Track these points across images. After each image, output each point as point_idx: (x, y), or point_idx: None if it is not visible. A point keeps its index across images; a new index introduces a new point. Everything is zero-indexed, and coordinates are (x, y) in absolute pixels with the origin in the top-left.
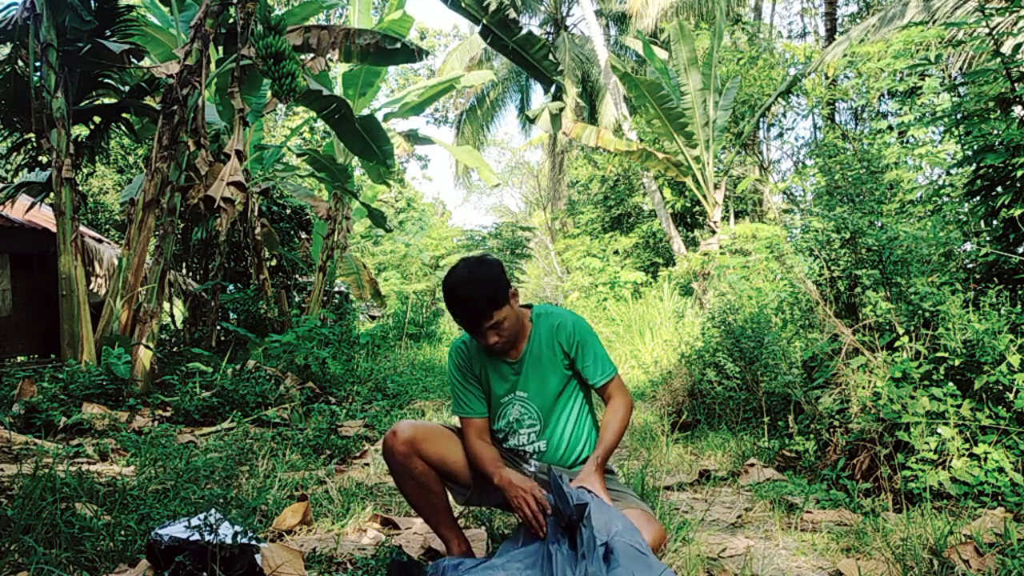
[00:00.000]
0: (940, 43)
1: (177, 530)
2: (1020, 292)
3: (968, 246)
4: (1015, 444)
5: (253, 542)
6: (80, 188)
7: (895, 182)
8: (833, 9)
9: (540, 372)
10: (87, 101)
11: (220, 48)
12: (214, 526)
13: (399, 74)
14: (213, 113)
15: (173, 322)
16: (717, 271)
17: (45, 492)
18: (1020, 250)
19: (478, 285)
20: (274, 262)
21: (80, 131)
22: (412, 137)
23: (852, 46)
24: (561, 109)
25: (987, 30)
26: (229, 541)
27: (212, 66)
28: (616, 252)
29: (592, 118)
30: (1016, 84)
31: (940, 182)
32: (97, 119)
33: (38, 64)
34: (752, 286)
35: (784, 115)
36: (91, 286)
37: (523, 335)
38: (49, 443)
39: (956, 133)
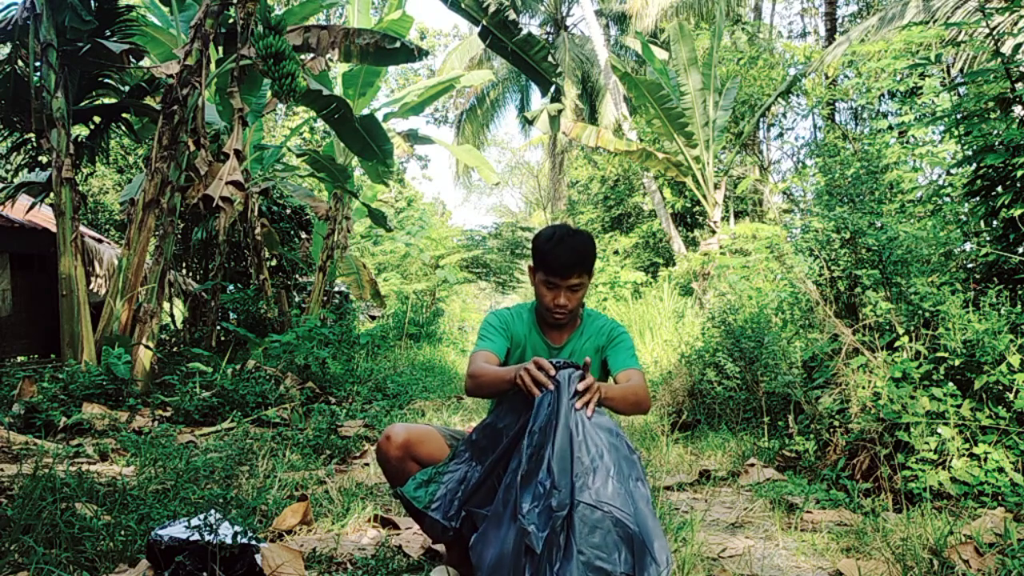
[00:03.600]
0: (940, 43)
1: (177, 530)
2: (1020, 292)
3: (968, 246)
4: (1015, 444)
5: (253, 542)
6: (80, 188)
7: (895, 182)
8: (833, 9)
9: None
10: (87, 101)
11: (220, 48)
12: (214, 526)
13: (399, 74)
14: (213, 113)
15: (173, 322)
16: (717, 271)
17: (45, 492)
18: (1020, 250)
19: (586, 240)
20: (274, 262)
21: (80, 131)
22: (412, 137)
23: (852, 47)
24: (560, 111)
25: (987, 30)
26: (229, 541)
27: (212, 66)
28: (616, 252)
29: (592, 118)
30: (1016, 84)
31: (940, 182)
32: (97, 119)
33: (38, 64)
34: (752, 286)
35: (784, 115)
36: (91, 286)
37: (572, 326)
38: (49, 443)
39: (956, 133)
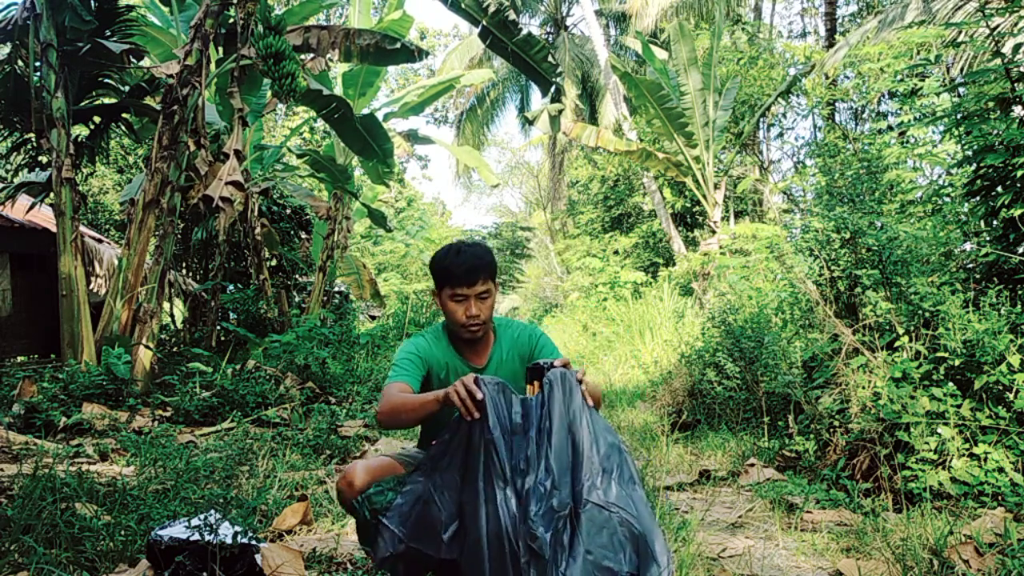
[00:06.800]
0: (940, 44)
1: (177, 530)
2: (1020, 292)
3: (968, 246)
4: (1015, 444)
5: (253, 542)
6: (80, 188)
7: (895, 182)
8: (833, 9)
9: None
10: (87, 101)
11: (220, 48)
12: (214, 526)
13: (399, 74)
14: (213, 113)
15: (173, 322)
16: (717, 271)
17: (45, 492)
18: (1020, 250)
19: (484, 248)
20: (274, 262)
21: (80, 131)
22: (412, 137)
23: (852, 50)
24: (560, 111)
25: (987, 30)
26: (229, 541)
27: (212, 66)
28: (616, 252)
29: (592, 118)
30: (1016, 84)
31: (940, 182)
32: (97, 119)
33: (38, 64)
34: (752, 286)
35: (784, 115)
36: (91, 286)
37: (487, 342)
38: (49, 443)
39: (956, 133)
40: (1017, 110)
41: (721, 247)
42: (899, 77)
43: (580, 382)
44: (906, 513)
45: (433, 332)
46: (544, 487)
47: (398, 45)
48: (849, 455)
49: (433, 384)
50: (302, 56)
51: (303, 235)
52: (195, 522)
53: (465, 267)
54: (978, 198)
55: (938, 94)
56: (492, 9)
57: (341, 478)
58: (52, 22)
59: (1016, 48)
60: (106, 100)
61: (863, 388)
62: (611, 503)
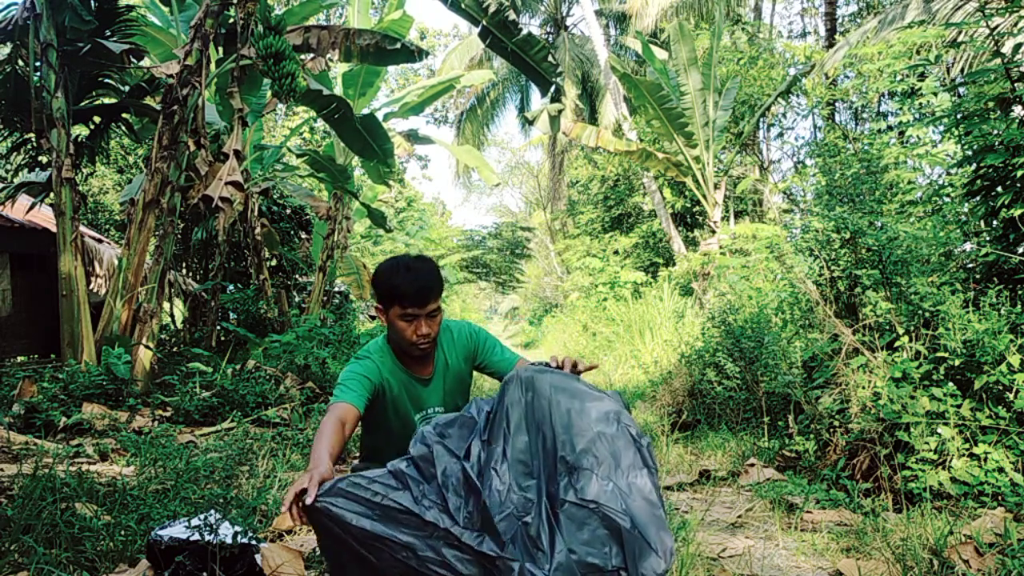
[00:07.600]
0: (940, 44)
1: (177, 530)
2: (1020, 292)
3: (968, 246)
4: (1015, 444)
5: (253, 542)
6: (80, 188)
7: (895, 182)
8: (833, 9)
9: (451, 384)
10: (87, 101)
11: (220, 48)
12: (214, 526)
13: (399, 74)
14: (213, 113)
15: (173, 322)
16: (717, 271)
17: (45, 492)
18: (1020, 250)
19: (432, 265)
20: (274, 262)
21: (80, 131)
22: (412, 137)
23: (852, 50)
24: (560, 111)
25: (987, 30)
26: (229, 541)
27: (212, 66)
28: (616, 252)
29: (592, 118)
30: (1016, 84)
31: (940, 182)
32: (97, 119)
33: (38, 64)
34: (752, 286)
35: (784, 115)
36: (91, 286)
37: (431, 351)
38: (49, 443)
39: (956, 133)
40: (1017, 110)
41: (721, 247)
42: (898, 77)
43: (578, 370)
44: (906, 513)
45: (378, 350)
46: (501, 494)
47: (398, 45)
48: (849, 455)
49: (387, 402)
50: (302, 56)
51: (303, 235)
52: (195, 522)
53: (416, 287)
54: (978, 198)
55: (935, 94)
56: (492, 9)
57: None
58: (52, 22)
59: (1016, 48)
60: (106, 100)
61: (863, 388)
62: (587, 500)
